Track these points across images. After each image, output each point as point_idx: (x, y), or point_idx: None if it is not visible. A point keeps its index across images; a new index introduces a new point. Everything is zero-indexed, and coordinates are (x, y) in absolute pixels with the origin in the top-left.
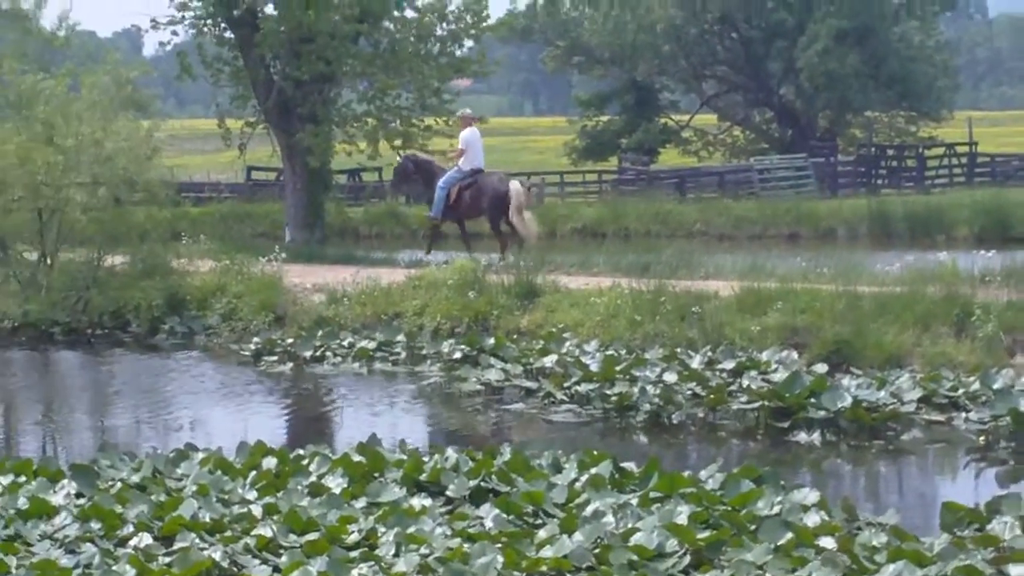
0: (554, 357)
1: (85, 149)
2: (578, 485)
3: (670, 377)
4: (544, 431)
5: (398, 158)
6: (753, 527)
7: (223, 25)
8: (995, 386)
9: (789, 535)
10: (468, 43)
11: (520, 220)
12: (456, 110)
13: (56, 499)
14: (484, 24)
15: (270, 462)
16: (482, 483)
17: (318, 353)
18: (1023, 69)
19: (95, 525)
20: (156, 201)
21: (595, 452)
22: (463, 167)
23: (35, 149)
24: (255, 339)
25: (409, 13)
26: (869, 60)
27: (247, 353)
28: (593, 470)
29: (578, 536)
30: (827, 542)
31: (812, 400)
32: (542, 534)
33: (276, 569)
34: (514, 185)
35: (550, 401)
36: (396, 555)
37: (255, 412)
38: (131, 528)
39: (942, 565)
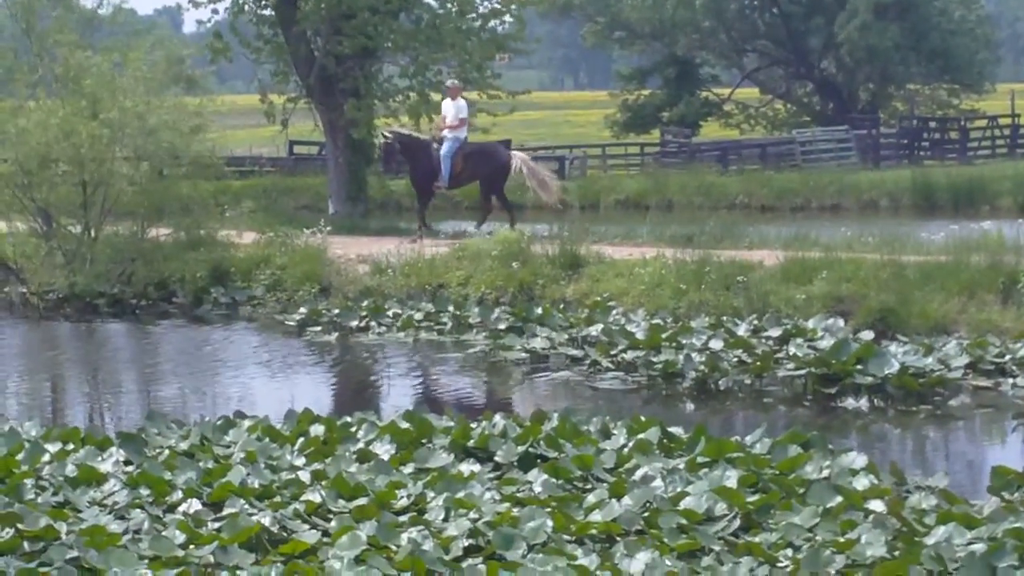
0: (600, 326)
1: (128, 123)
2: (626, 450)
3: (716, 344)
4: (591, 398)
5: (383, 136)
6: (801, 491)
7: (263, 2)
8: None
9: (838, 498)
10: (508, 19)
11: (541, 184)
12: (499, 85)
13: (104, 466)
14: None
15: (318, 429)
16: (530, 449)
17: (363, 323)
18: None
19: (144, 491)
20: (202, 174)
21: (643, 418)
22: (460, 135)
23: (79, 123)
24: (300, 309)
25: None
26: (910, 33)
27: (292, 323)
28: (641, 435)
29: (627, 500)
30: (876, 505)
31: (859, 366)
32: (591, 498)
33: (325, 533)
34: (518, 156)
35: (596, 369)
36: (445, 520)
37: (301, 381)
38: (180, 494)
39: (992, 527)
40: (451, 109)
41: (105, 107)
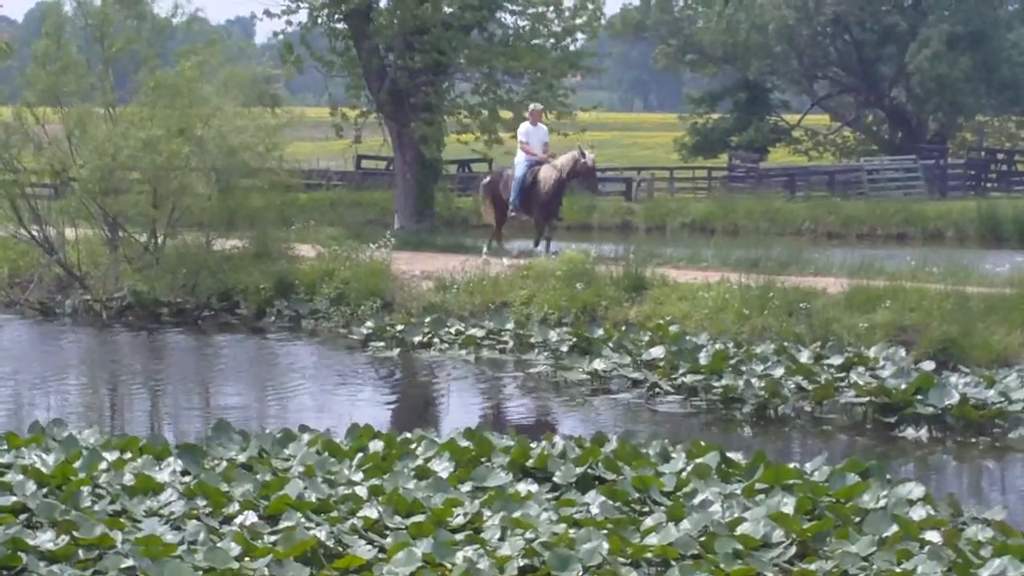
0: (662, 349)
1: (212, 140)
2: (685, 474)
3: (777, 371)
4: (650, 421)
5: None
6: (858, 519)
7: (337, 16)
8: None
9: (894, 528)
10: (581, 38)
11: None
12: (570, 104)
13: (162, 476)
14: (600, 21)
15: (377, 445)
16: (589, 470)
17: (426, 339)
18: None
19: (201, 502)
20: (274, 188)
21: (702, 443)
22: (534, 160)
23: (164, 137)
24: (367, 324)
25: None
26: (981, 65)
27: (355, 337)
28: (700, 460)
29: (684, 524)
30: (932, 536)
31: (919, 396)
32: (648, 522)
33: (381, 550)
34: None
35: (656, 392)
36: (501, 539)
37: (362, 396)
38: (236, 506)
39: None
40: (536, 135)
41: (192, 124)
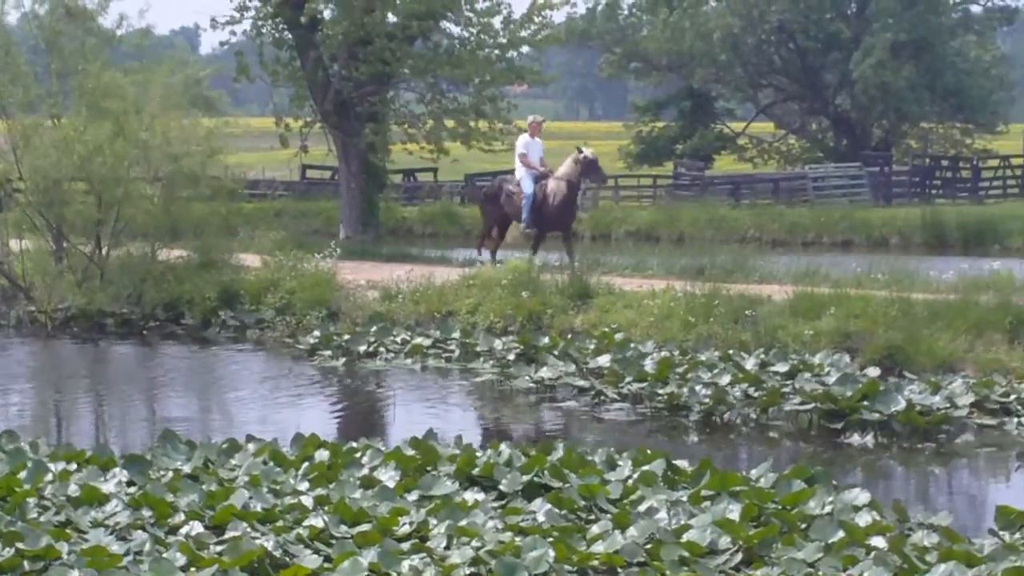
0: (608, 357)
1: (154, 146)
2: (631, 482)
3: (723, 378)
4: (596, 429)
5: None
6: (804, 526)
7: (282, 26)
8: None
9: (840, 534)
10: (526, 49)
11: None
12: (512, 115)
13: (107, 487)
14: (544, 35)
15: (322, 454)
16: (535, 478)
17: (371, 349)
18: None
19: (146, 513)
20: (217, 196)
21: (648, 450)
22: (535, 174)
23: (105, 144)
24: (311, 334)
25: (471, 15)
26: (925, 72)
27: (301, 347)
28: (646, 467)
29: (631, 532)
30: (878, 542)
31: (865, 403)
32: (595, 529)
33: (327, 559)
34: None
35: (602, 400)
36: (447, 548)
37: (309, 405)
38: (182, 516)
39: (992, 566)
40: (534, 148)
41: (132, 129)
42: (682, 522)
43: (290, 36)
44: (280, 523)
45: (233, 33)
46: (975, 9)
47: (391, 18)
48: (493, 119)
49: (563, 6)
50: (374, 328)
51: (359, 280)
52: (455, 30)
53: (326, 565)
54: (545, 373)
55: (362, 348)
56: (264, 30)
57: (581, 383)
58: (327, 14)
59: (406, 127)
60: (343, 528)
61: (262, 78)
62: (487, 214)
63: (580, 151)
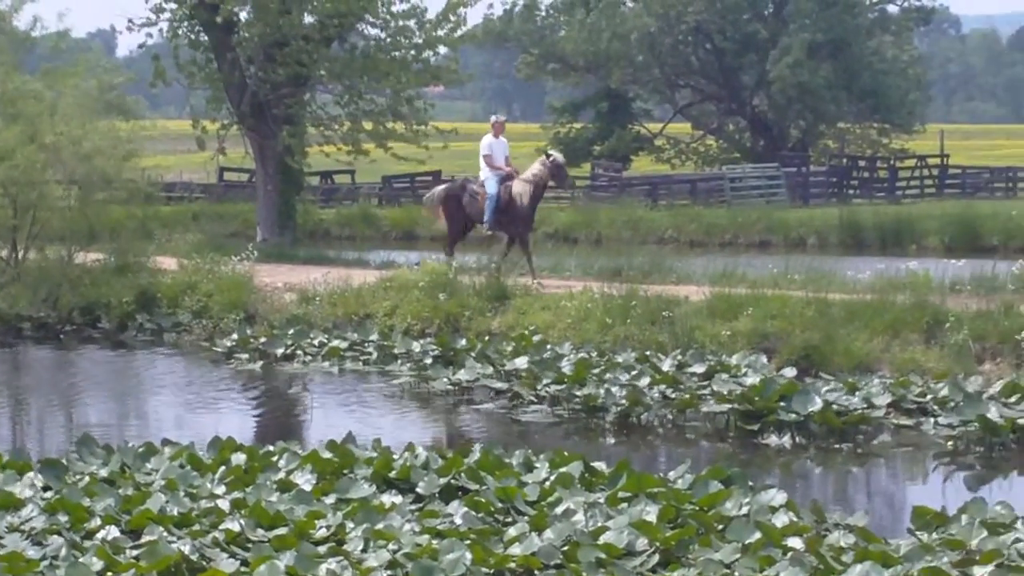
0: (526, 358)
1: (65, 148)
2: (548, 484)
3: (642, 380)
4: (514, 431)
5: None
6: (721, 527)
7: (198, 28)
8: (964, 392)
9: (757, 535)
10: (443, 50)
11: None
12: (428, 116)
13: (23, 491)
14: (460, 33)
15: (239, 458)
16: (452, 481)
17: (289, 351)
18: (994, 84)
19: (62, 518)
20: (133, 199)
21: (565, 452)
22: (502, 175)
23: (17, 146)
24: (228, 336)
25: (386, 18)
26: (842, 73)
27: (218, 350)
28: (563, 469)
29: (548, 534)
30: (795, 542)
31: (782, 403)
32: (512, 532)
33: (244, 563)
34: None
35: (519, 401)
36: (364, 551)
37: (225, 409)
38: (98, 521)
39: (908, 566)
40: (499, 148)
41: (43, 132)
42: (599, 524)
43: (206, 38)
44: (197, 527)
45: (149, 35)
46: (892, 9)
47: (308, 20)
48: (410, 121)
49: (477, 3)
50: (291, 331)
51: (276, 283)
52: (371, 32)
53: (243, 569)
54: (463, 375)
55: (279, 351)
56: (180, 32)
57: (499, 385)
58: (243, 16)
59: (323, 129)
60: (260, 532)
61: (179, 80)
62: (449, 218)
63: (548, 155)
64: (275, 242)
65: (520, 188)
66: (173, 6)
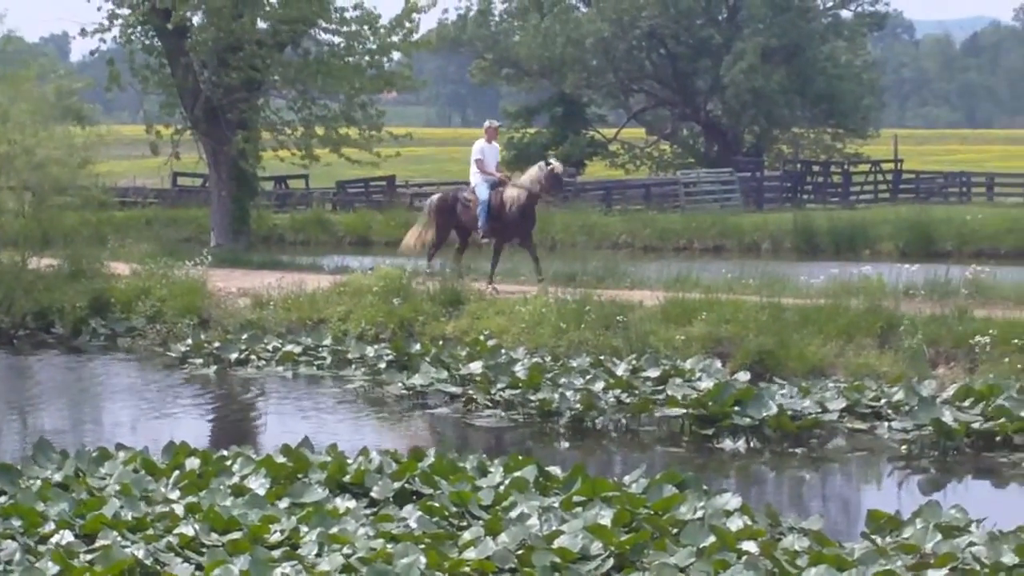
0: (480, 363)
1: (18, 157)
2: (503, 488)
3: (596, 384)
4: (468, 435)
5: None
6: (676, 531)
7: (151, 33)
8: (918, 396)
9: (712, 539)
10: (397, 55)
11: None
12: (381, 122)
13: None
14: (414, 39)
15: (193, 462)
16: (406, 485)
17: (243, 356)
18: (948, 89)
19: (16, 522)
20: (87, 206)
21: (520, 456)
22: (493, 180)
23: None
24: (182, 341)
25: (339, 23)
26: (796, 78)
27: (172, 355)
28: (518, 473)
29: (502, 538)
30: (749, 546)
31: (737, 408)
32: (466, 536)
33: (198, 567)
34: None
35: (474, 406)
36: (319, 555)
37: (180, 413)
38: (52, 526)
39: (862, 570)
40: (491, 153)
41: None
42: (554, 528)
43: (159, 43)
44: (151, 531)
45: (103, 41)
46: (845, 14)
47: (261, 25)
48: (363, 126)
49: (431, 7)
50: (245, 336)
51: (230, 288)
52: (324, 37)
53: (197, 573)
54: (417, 380)
55: (233, 356)
56: (134, 37)
57: (453, 389)
58: (196, 20)
59: (276, 134)
60: (214, 536)
61: (133, 85)
62: (439, 227)
63: (548, 163)
64: (229, 247)
65: (511, 194)
66: (126, 11)
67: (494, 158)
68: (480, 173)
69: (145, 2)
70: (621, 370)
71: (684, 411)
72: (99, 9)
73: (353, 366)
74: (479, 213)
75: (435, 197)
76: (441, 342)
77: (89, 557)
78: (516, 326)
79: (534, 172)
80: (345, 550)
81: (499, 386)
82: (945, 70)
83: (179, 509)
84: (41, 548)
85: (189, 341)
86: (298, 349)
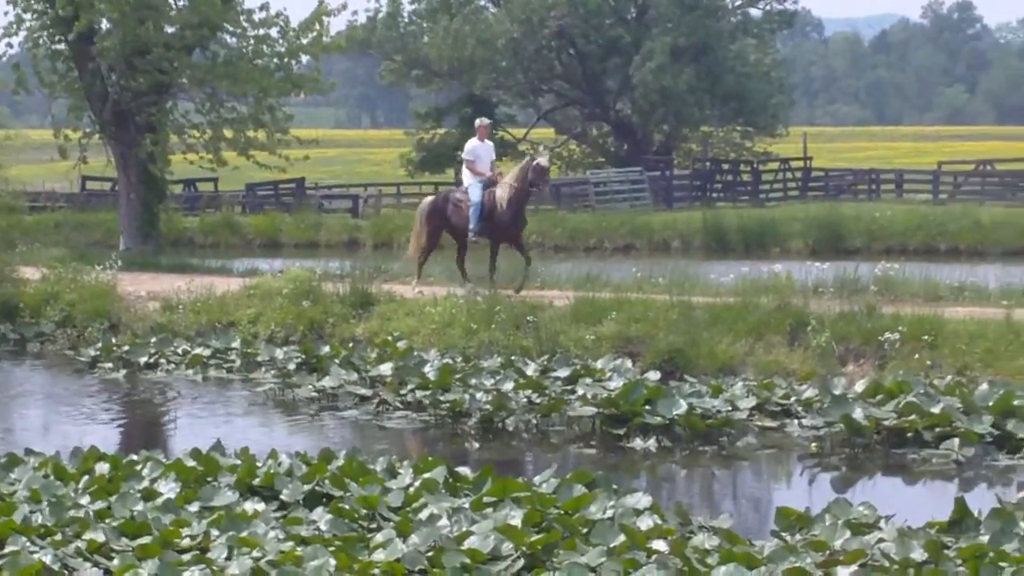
0: (390, 365)
1: None
2: (413, 489)
3: (506, 384)
4: (379, 437)
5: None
6: (586, 530)
7: (58, 38)
8: (828, 394)
9: (622, 538)
10: (305, 57)
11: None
12: (289, 125)
13: None
14: (323, 43)
15: (103, 467)
16: (316, 487)
17: (152, 360)
18: (857, 87)
19: None
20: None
21: (429, 457)
22: (484, 180)
23: None
24: (92, 346)
25: (247, 26)
26: (705, 77)
27: (82, 359)
28: (427, 475)
29: (413, 540)
30: (660, 545)
31: (647, 407)
32: (377, 538)
33: (107, 572)
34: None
35: (384, 408)
36: (228, 558)
37: (90, 418)
38: None
39: (772, 567)
40: (484, 152)
41: None
42: (464, 529)
43: (66, 48)
44: (60, 537)
45: (10, 45)
46: (754, 13)
47: (168, 29)
48: (271, 129)
49: (341, 12)
50: (154, 339)
51: (140, 291)
52: (232, 41)
53: None
54: (327, 382)
55: (143, 359)
56: (40, 42)
57: (363, 391)
58: (104, 24)
59: (185, 137)
60: (124, 541)
61: (40, 90)
62: (431, 231)
63: (533, 157)
64: (138, 251)
65: (501, 193)
66: (31, 16)
67: (488, 156)
68: (472, 174)
69: (49, 9)
70: (531, 370)
71: (595, 411)
72: (6, 14)
73: (263, 369)
74: (472, 214)
75: (426, 201)
76: (351, 344)
77: None
78: (426, 327)
79: (518, 168)
80: (255, 553)
81: (409, 387)
82: (854, 67)
83: (89, 514)
84: None
85: (99, 345)
86: (207, 352)
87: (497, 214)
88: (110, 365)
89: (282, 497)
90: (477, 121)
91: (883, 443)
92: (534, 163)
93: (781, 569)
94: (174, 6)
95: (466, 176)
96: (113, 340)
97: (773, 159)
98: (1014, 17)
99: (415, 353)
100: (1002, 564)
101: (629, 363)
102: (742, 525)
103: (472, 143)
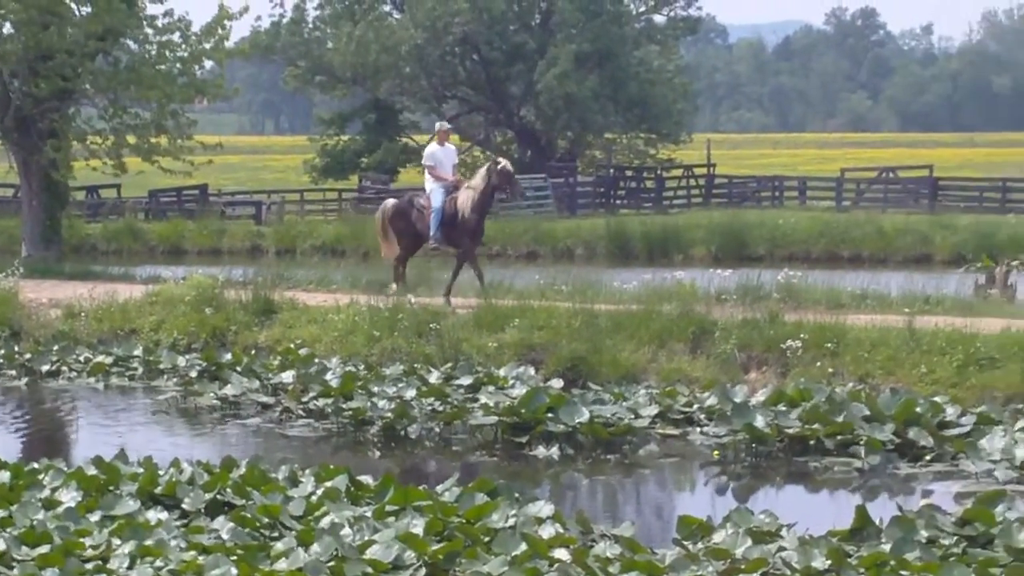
0: (292, 372)
1: None
2: (315, 498)
3: (409, 392)
4: (281, 445)
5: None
6: (488, 539)
7: None
8: (730, 402)
9: (524, 547)
10: (208, 63)
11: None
12: (192, 130)
13: None
14: (226, 46)
15: (4, 476)
16: (218, 496)
17: (54, 368)
18: (761, 93)
19: None
20: None
21: (331, 466)
22: (448, 185)
23: None
24: None
25: (150, 31)
26: (608, 83)
27: None
28: (329, 483)
29: (315, 548)
30: (561, 554)
31: (550, 415)
32: (279, 547)
33: None
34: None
35: (287, 416)
36: (130, 568)
37: None
38: None
39: None
40: (445, 156)
41: None
42: (366, 538)
43: None
44: None
45: None
46: (658, 19)
47: (71, 34)
48: (174, 135)
49: (243, 15)
50: (57, 347)
51: (41, 298)
52: (135, 46)
53: None
54: (229, 390)
55: (45, 367)
56: None
57: (265, 399)
58: (6, 29)
59: (88, 143)
60: (25, 550)
61: None
62: (400, 234)
63: (497, 162)
64: (41, 257)
65: (465, 198)
66: None
67: (450, 160)
68: (434, 179)
69: None
70: (434, 378)
71: (497, 419)
72: None
73: (165, 376)
74: (432, 221)
75: (388, 203)
76: (253, 351)
77: None
78: (329, 335)
79: (483, 174)
80: (157, 563)
81: (311, 395)
82: (758, 74)
83: None
84: None
85: (0, 353)
86: (109, 360)
87: (460, 221)
88: (12, 373)
89: (184, 506)
90: (437, 125)
91: (785, 451)
92: (498, 167)
93: None
94: (77, 12)
95: (428, 182)
96: (15, 348)
97: (677, 166)
98: (917, 24)
99: (317, 361)
100: (903, 572)
101: (532, 371)
102: (644, 533)
103: (431, 147)
